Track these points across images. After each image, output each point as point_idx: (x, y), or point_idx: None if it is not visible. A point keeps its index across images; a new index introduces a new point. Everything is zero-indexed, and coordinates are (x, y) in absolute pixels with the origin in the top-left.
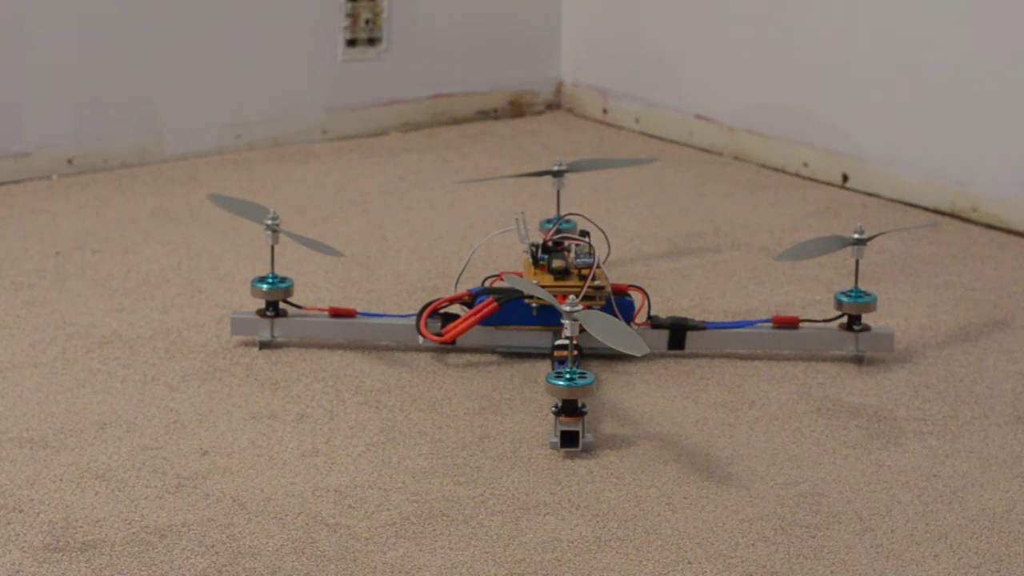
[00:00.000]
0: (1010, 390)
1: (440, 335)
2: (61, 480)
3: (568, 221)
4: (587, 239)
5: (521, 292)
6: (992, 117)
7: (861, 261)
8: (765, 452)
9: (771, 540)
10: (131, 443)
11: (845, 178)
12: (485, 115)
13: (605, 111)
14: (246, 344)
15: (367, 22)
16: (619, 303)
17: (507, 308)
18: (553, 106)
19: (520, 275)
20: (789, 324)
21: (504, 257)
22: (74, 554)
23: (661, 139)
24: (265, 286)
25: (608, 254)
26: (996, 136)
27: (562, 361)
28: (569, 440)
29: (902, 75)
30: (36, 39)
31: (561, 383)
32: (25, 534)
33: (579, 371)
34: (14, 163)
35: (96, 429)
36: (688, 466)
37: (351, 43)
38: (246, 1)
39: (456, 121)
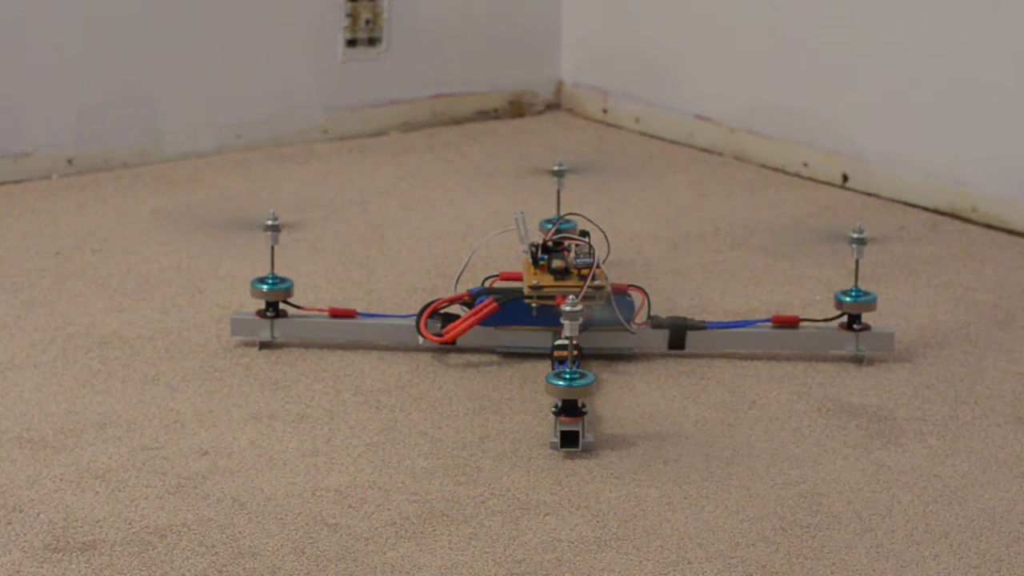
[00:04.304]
0: (1010, 390)
1: (440, 335)
2: (61, 480)
3: (568, 221)
4: (587, 239)
5: (521, 292)
6: (992, 117)
7: (861, 261)
8: (765, 452)
9: (771, 540)
10: (131, 443)
11: (845, 178)
12: (485, 115)
13: (605, 111)
14: (246, 344)
15: (367, 22)
16: (619, 303)
17: (507, 308)
18: (553, 106)
19: (520, 276)
20: (789, 324)
21: (504, 257)
22: (74, 554)
23: (661, 139)
24: (265, 287)
25: (608, 254)
26: (996, 136)
27: (562, 361)
28: (569, 440)
29: (902, 75)
30: (36, 39)
31: (561, 383)
32: (25, 534)
33: (579, 371)
34: (14, 163)
35: (96, 429)
36: (688, 466)
37: (351, 43)
38: (246, 1)
39: (456, 121)
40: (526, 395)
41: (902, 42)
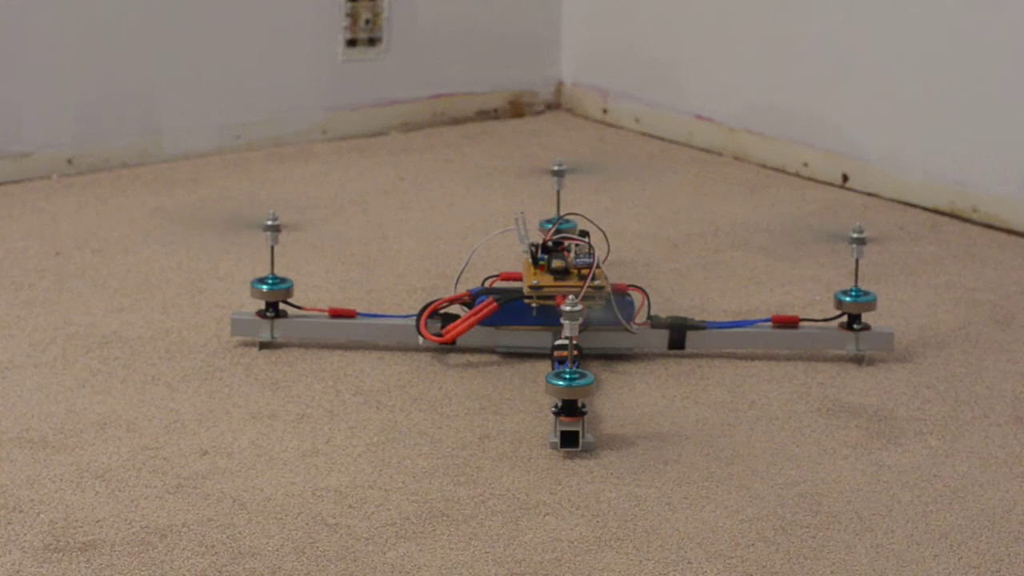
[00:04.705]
0: (1010, 390)
1: (440, 335)
2: (61, 480)
3: (568, 221)
4: (587, 239)
5: (521, 292)
6: (992, 117)
7: (861, 261)
8: (765, 452)
9: (771, 540)
10: (131, 443)
11: (845, 178)
12: (485, 115)
13: (605, 111)
14: (246, 344)
15: (367, 22)
16: (619, 303)
17: (507, 308)
18: (553, 106)
19: (520, 276)
20: (789, 324)
21: (504, 257)
22: (74, 554)
23: (661, 139)
24: (265, 287)
25: (608, 254)
26: (996, 136)
27: (562, 361)
28: (569, 440)
29: (902, 75)
30: (36, 39)
31: (561, 383)
32: (25, 534)
33: (579, 371)
34: (14, 163)
35: (96, 429)
36: (688, 466)
37: (351, 43)
38: (246, 1)
39: (456, 121)
40: (526, 395)
41: (902, 42)
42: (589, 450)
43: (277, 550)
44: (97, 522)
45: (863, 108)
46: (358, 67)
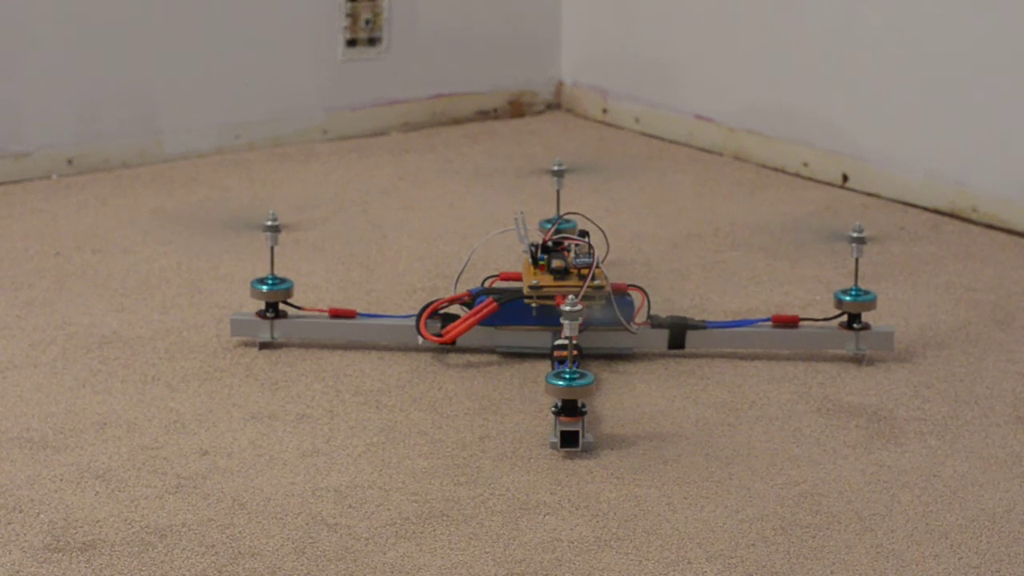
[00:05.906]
0: (1010, 390)
1: (440, 335)
2: (61, 480)
3: (568, 221)
4: (587, 239)
5: (521, 292)
6: (992, 117)
7: (861, 261)
8: (765, 452)
9: (771, 540)
10: (131, 443)
11: (845, 178)
12: (485, 115)
13: (605, 111)
14: (246, 344)
15: (367, 22)
16: (619, 303)
17: (507, 308)
18: (553, 106)
19: (520, 276)
20: (789, 324)
21: (504, 257)
22: (74, 554)
23: (661, 139)
24: (265, 287)
25: (607, 254)
26: (996, 136)
27: (562, 361)
28: (569, 440)
29: (902, 75)
30: (36, 39)
31: (561, 383)
32: (25, 534)
33: (579, 371)
34: (14, 163)
35: (96, 429)
36: (688, 466)
37: (351, 43)
38: (246, 1)
39: (456, 121)
40: (526, 395)
41: (902, 42)
42: (589, 450)
43: (277, 550)
44: (97, 522)
45: (863, 108)
46: (358, 67)
